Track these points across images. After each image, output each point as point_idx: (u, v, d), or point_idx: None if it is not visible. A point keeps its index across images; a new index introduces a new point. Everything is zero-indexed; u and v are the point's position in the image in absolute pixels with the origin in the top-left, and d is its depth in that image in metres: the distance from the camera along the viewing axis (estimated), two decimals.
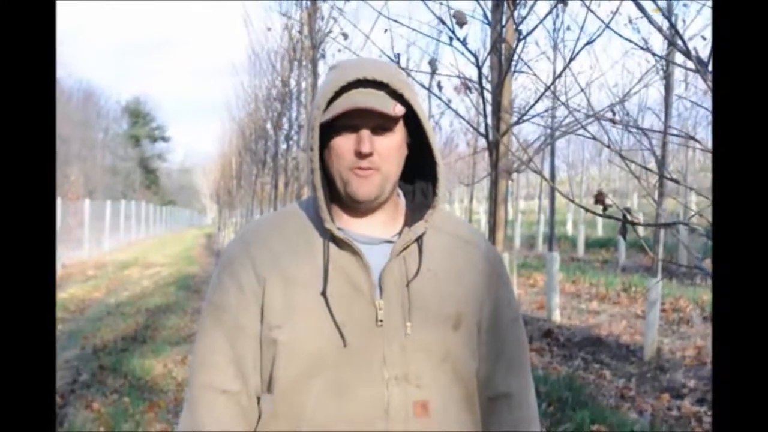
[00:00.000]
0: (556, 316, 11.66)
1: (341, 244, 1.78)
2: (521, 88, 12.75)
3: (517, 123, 4.12)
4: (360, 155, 1.76)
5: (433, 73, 4.90)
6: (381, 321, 1.76)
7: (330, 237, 1.78)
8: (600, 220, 29.32)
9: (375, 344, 1.75)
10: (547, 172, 19.87)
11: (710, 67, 2.59)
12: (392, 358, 1.76)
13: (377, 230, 1.84)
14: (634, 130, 3.65)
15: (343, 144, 1.77)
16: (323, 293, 1.74)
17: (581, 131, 3.49)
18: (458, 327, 1.87)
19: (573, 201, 3.00)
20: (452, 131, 21.95)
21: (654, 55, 6.33)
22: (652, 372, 8.27)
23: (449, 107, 4.89)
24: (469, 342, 1.90)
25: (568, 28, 11.39)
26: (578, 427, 6.17)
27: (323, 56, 9.27)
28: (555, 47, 11.34)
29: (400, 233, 1.85)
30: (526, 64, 4.16)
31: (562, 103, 3.29)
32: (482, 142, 16.92)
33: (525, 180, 41.13)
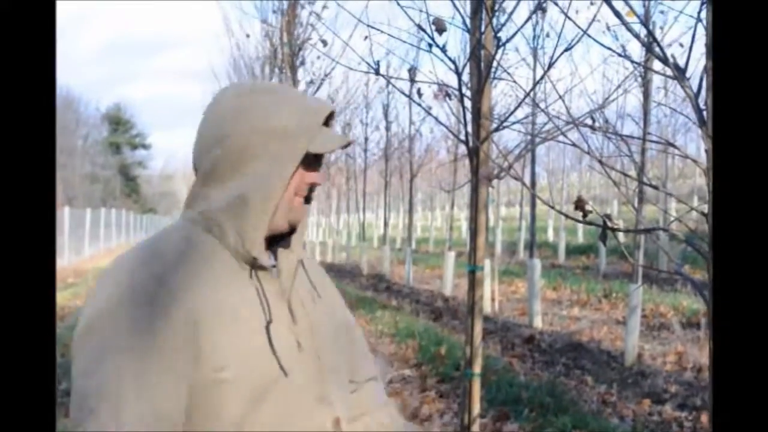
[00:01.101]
0: (538, 322, 11.68)
1: (263, 271, 1.75)
2: (501, 95, 12.82)
3: (497, 129, 4.13)
4: (312, 186, 1.78)
5: (413, 80, 4.91)
6: (300, 345, 1.74)
7: (258, 266, 1.73)
8: (580, 227, 29.45)
9: (303, 369, 1.73)
10: (527, 179, 19.92)
11: (688, 74, 2.61)
12: (317, 382, 1.76)
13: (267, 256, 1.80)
14: (613, 136, 3.66)
15: (307, 174, 1.76)
16: (267, 325, 1.69)
17: (561, 138, 3.50)
18: (347, 336, 1.96)
19: (553, 207, 3.01)
20: (432, 138, 22.04)
21: (632, 62, 6.38)
22: (633, 377, 8.29)
23: (429, 114, 4.89)
24: (352, 347, 1.98)
25: (547, 36, 11.45)
26: None
27: (303, 63, 9.28)
28: (534, 54, 11.39)
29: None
30: (505, 70, 4.17)
31: (542, 110, 3.30)
32: (463, 149, 16.99)
33: (506, 187, 41.27)
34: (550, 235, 30.93)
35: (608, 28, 8.36)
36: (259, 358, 1.67)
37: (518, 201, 30.12)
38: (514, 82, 4.04)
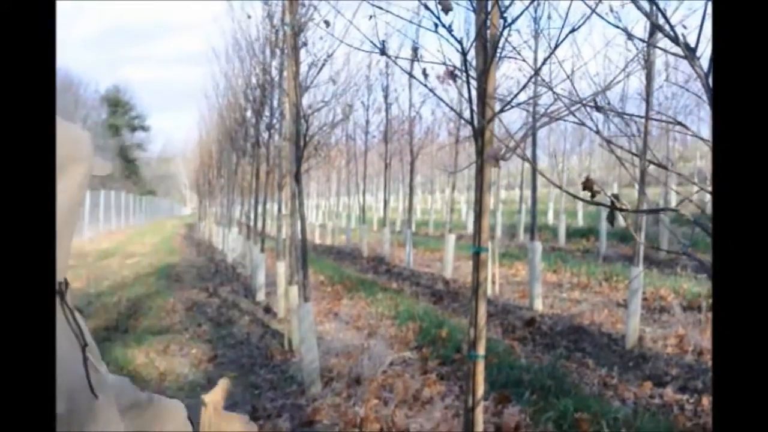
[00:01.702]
0: (539, 305, 11.67)
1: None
2: (503, 78, 12.76)
3: (502, 110, 4.10)
4: None
5: (417, 60, 4.87)
6: None
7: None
8: (581, 211, 29.45)
9: None
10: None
11: (698, 53, 2.59)
12: None
13: None
14: (618, 117, 3.63)
15: None
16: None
17: (570, 117, 3.47)
18: None
19: (561, 188, 2.99)
20: (434, 120, 21.97)
21: (641, 40, 6.33)
22: (634, 360, 8.29)
23: (435, 95, 4.86)
24: None
25: (549, 17, 11.39)
26: (561, 415, 6.17)
27: (305, 44, 9.20)
28: (536, 36, 11.34)
29: None
30: (514, 48, 4.15)
31: (549, 89, 3.27)
32: (464, 132, 16.96)
33: (506, 170, 41.21)
34: (550, 218, 30.92)
35: (611, 10, 8.31)
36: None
37: (518, 184, 30.10)
38: (524, 60, 4.01)
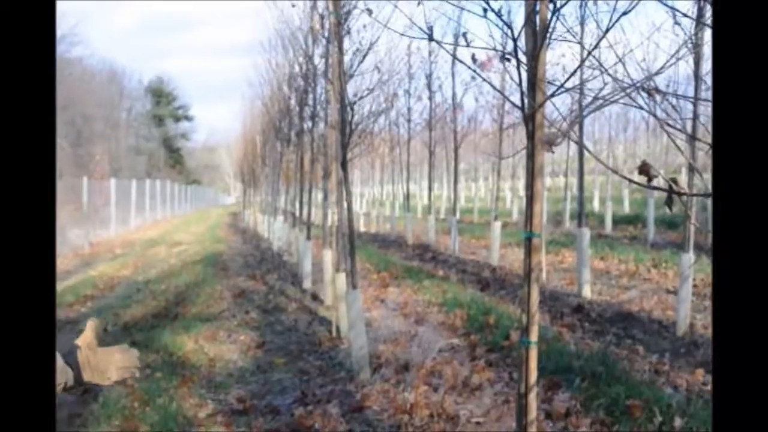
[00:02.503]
0: (587, 292, 11.60)
1: None
2: (548, 65, 12.68)
3: (554, 94, 4.07)
4: None
5: (465, 45, 4.85)
6: None
7: None
8: (627, 198, 29.16)
9: None
10: (574, 149, 19.74)
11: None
12: None
13: None
14: (667, 103, 3.58)
15: None
16: None
17: (618, 103, 3.44)
18: None
19: (617, 172, 2.97)
20: (477, 107, 21.90)
21: (692, 18, 6.21)
22: (685, 347, 8.21)
23: (485, 80, 4.84)
24: None
25: (596, 2, 11.28)
26: (612, 402, 6.13)
27: (348, 32, 9.21)
28: (582, 22, 11.24)
29: None
30: (569, 30, 4.12)
31: (605, 71, 3.25)
32: (508, 119, 16.88)
33: (550, 157, 40.93)
34: (596, 205, 30.68)
35: None
36: None
37: (562, 171, 29.87)
38: (579, 43, 3.98)
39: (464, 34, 5.03)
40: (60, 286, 16.48)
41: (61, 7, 74.05)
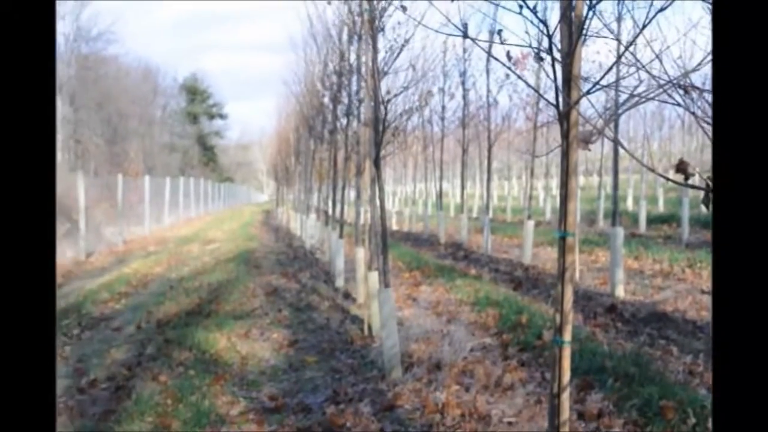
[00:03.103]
0: (620, 292, 11.51)
1: None
2: (583, 62, 12.58)
3: (589, 91, 4.03)
4: None
5: (500, 42, 4.81)
6: None
7: None
8: (661, 196, 28.91)
9: None
10: (608, 148, 19.60)
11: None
12: None
13: None
14: (705, 99, 3.53)
15: None
16: None
17: (655, 100, 3.39)
18: None
19: (654, 170, 2.93)
20: (512, 105, 21.81)
21: None
22: None
23: (520, 77, 4.80)
24: None
25: None
26: (646, 403, 6.08)
27: (383, 29, 9.19)
28: (619, 19, 11.14)
29: None
30: (606, 26, 4.07)
31: (642, 67, 3.20)
32: (542, 117, 16.78)
33: (584, 156, 40.70)
34: (630, 205, 30.47)
35: None
36: None
37: (596, 170, 29.67)
38: (616, 39, 3.93)
39: (499, 32, 5.00)
40: (94, 283, 16.62)
41: (96, 7, 74.63)
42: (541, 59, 4.41)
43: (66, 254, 22.42)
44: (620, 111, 4.20)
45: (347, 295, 13.02)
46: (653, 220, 24.12)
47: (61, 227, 24.61)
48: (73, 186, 25.27)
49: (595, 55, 17.50)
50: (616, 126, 11.83)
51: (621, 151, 13.00)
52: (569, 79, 4.03)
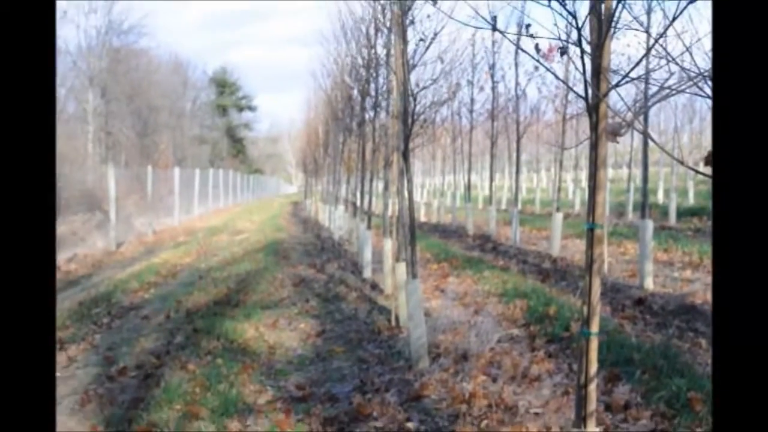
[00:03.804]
0: (649, 284, 11.47)
1: None
2: (612, 54, 12.51)
3: (619, 84, 4.03)
4: None
5: (528, 35, 4.82)
6: None
7: None
8: (692, 189, 28.72)
9: None
10: (638, 140, 19.49)
11: None
12: None
13: None
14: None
15: None
16: None
17: (685, 92, 3.39)
18: None
19: (682, 162, 2.94)
20: (541, 98, 21.74)
21: None
22: None
23: (549, 70, 4.81)
24: None
25: None
26: (673, 395, 6.07)
27: (412, 22, 9.19)
28: (648, 11, 11.08)
29: None
30: (635, 19, 4.08)
31: (672, 60, 3.21)
32: (571, 109, 16.71)
33: (614, 149, 40.51)
34: (660, 197, 30.29)
35: None
36: None
37: (626, 162, 29.51)
38: (647, 32, 3.94)
39: (527, 26, 5.01)
40: (124, 272, 16.78)
41: (128, 2, 75.05)
42: (567, 53, 4.41)
43: (97, 245, 22.64)
44: (650, 104, 4.19)
45: (375, 286, 13.06)
46: (683, 213, 23.98)
47: (92, 218, 24.84)
48: (103, 177, 25.51)
49: (625, 48, 17.43)
50: (646, 119, 11.78)
51: (651, 143, 12.93)
52: (598, 71, 4.03)
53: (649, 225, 11.73)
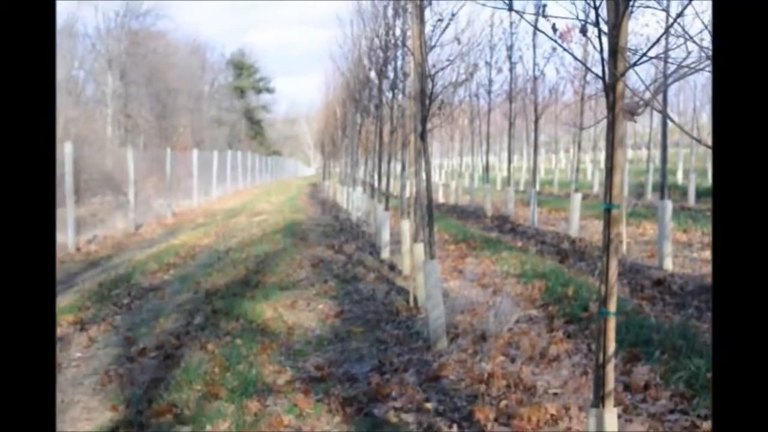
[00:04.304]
0: (668, 265, 11.43)
1: None
2: (630, 34, 12.43)
3: (636, 63, 4.01)
4: None
5: (544, 16, 4.80)
6: None
7: None
8: (710, 170, 28.56)
9: None
10: (657, 121, 19.40)
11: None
12: None
13: None
14: None
15: None
16: None
17: (704, 71, 3.37)
18: None
19: (700, 142, 2.92)
20: (559, 78, 21.66)
21: None
22: None
23: (566, 50, 4.79)
24: None
25: None
26: (693, 375, 6.05)
27: (430, 2, 9.16)
28: None
29: None
30: None
31: (690, 38, 3.19)
32: (589, 90, 16.63)
33: (632, 129, 40.30)
34: (680, 178, 30.15)
35: None
36: None
37: (645, 143, 29.37)
38: (664, 11, 3.91)
39: (544, 6, 4.98)
40: (144, 254, 16.87)
41: None
42: (585, 34, 4.39)
43: (116, 226, 22.76)
44: (668, 83, 4.17)
45: (393, 267, 13.08)
46: (702, 194, 23.86)
47: (112, 200, 24.95)
48: (123, 160, 25.61)
49: (644, 28, 17.31)
50: (665, 99, 11.72)
51: (670, 124, 12.86)
52: (616, 51, 4.01)
53: (669, 205, 11.68)
